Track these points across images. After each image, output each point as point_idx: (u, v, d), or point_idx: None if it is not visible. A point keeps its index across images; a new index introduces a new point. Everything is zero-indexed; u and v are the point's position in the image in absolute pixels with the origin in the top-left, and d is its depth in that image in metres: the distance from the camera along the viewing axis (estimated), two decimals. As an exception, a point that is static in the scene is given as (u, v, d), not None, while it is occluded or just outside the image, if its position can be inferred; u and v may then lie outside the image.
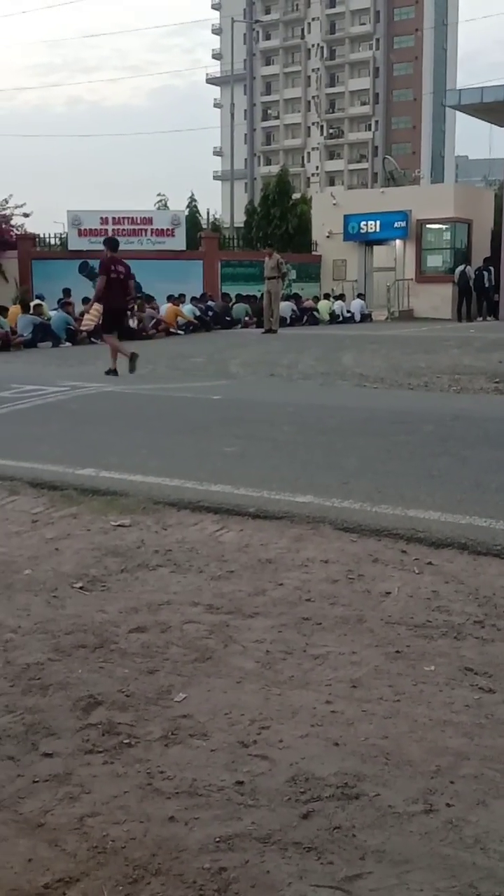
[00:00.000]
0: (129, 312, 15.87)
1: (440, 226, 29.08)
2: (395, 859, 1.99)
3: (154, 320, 21.56)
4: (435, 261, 29.35)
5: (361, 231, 30.18)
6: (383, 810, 2.17)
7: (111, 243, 13.07)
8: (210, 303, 24.82)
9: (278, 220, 31.62)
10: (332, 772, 2.34)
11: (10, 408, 8.87)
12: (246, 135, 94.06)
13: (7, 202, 26.41)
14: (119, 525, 4.68)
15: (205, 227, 33.29)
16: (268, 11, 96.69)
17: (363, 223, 30.06)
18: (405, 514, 4.70)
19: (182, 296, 23.41)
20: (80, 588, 3.77)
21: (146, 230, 26.57)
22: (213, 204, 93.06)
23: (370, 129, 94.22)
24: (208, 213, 35.59)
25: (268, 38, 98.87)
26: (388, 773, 2.34)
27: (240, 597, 3.63)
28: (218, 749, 2.47)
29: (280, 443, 6.88)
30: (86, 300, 21.17)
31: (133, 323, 19.01)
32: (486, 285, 27.11)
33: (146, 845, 2.04)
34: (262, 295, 21.47)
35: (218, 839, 2.06)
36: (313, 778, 2.31)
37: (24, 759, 2.43)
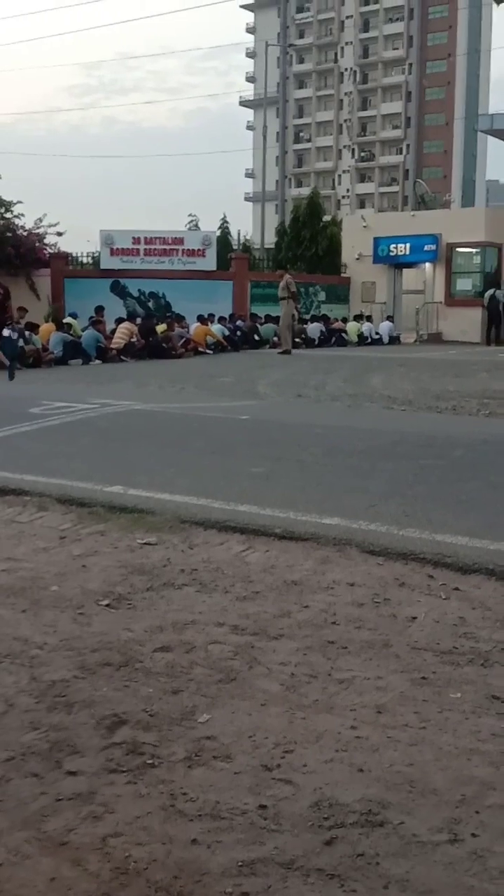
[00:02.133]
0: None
1: (470, 249, 29.04)
2: (418, 889, 1.97)
3: (183, 339, 21.67)
4: (464, 284, 29.30)
5: (391, 254, 30.22)
6: (407, 839, 2.15)
7: None
8: (239, 323, 24.91)
9: (308, 242, 31.76)
10: (357, 798, 2.32)
11: (40, 424, 8.94)
12: (278, 157, 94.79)
13: (41, 221, 26.69)
14: (146, 543, 4.69)
15: (235, 248, 33.51)
16: (301, 35, 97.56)
17: (393, 246, 30.10)
18: (433, 538, 4.67)
19: (211, 316, 23.54)
20: (107, 605, 3.78)
21: (177, 250, 26.74)
22: (244, 225, 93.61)
23: (401, 153, 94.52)
24: (239, 235, 35.87)
25: (301, 61, 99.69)
26: (413, 801, 2.31)
27: (265, 618, 3.62)
28: (241, 772, 2.46)
29: (307, 464, 6.87)
30: (119, 319, 21.37)
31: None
32: (516, 310, 27.02)
33: (168, 867, 2.03)
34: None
35: (240, 863, 2.05)
36: (337, 804, 2.29)
37: (48, 776, 2.44)
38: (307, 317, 27.89)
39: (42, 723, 2.73)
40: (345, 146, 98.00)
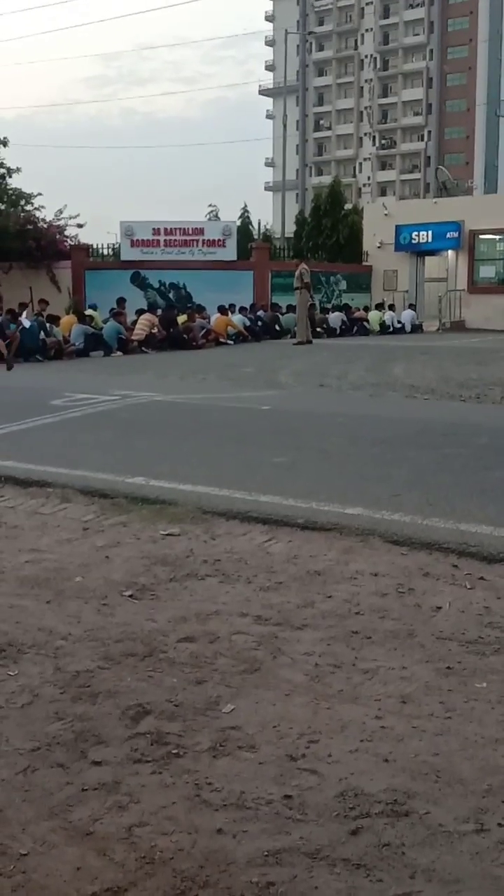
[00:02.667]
0: None
1: (493, 236, 28.83)
2: (445, 879, 1.96)
3: (204, 330, 21.66)
4: (488, 271, 29.10)
5: (413, 241, 30.05)
6: (434, 828, 2.14)
7: None
8: (260, 313, 24.86)
9: (329, 231, 31.64)
10: (382, 788, 2.31)
11: (63, 416, 8.97)
12: (298, 146, 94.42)
13: (61, 213, 26.78)
14: (168, 534, 4.70)
15: (256, 237, 33.45)
16: (321, 23, 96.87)
17: (415, 234, 29.93)
18: (457, 527, 4.64)
19: (232, 306, 23.51)
20: (130, 596, 3.79)
21: (197, 241, 26.72)
22: (265, 214, 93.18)
23: (423, 140, 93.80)
24: (259, 224, 35.78)
25: (321, 49, 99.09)
26: (439, 790, 2.30)
27: (288, 608, 3.62)
28: (266, 762, 2.46)
29: (329, 454, 6.85)
30: (139, 311, 21.40)
31: None
32: (540, 296, 26.81)
33: (194, 857, 2.04)
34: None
35: (266, 853, 2.05)
36: (362, 794, 2.29)
37: (74, 766, 2.45)
38: (328, 306, 27.81)
39: (67, 713, 2.75)
40: (365, 134, 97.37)
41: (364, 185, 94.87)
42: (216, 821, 2.18)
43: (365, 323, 26.94)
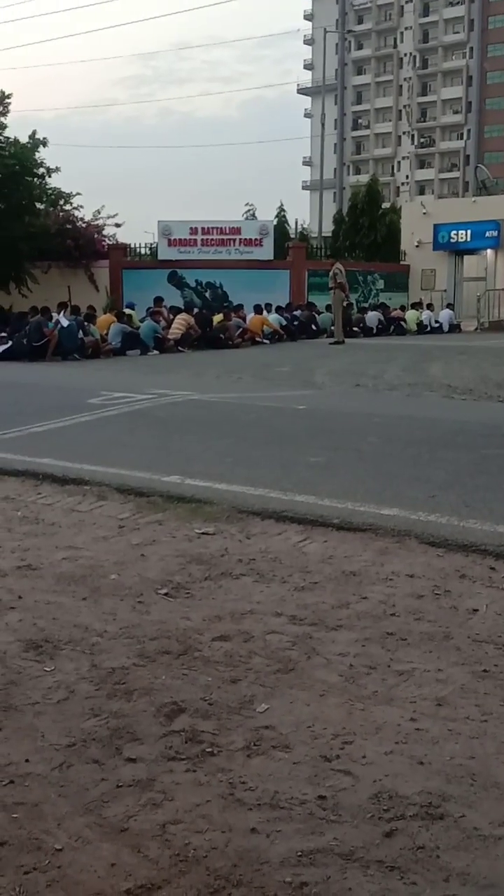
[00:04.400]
0: None
1: (533, 235, 28.52)
2: (480, 883, 1.94)
3: (240, 329, 21.67)
4: (527, 271, 28.79)
5: (451, 240, 29.84)
6: (469, 832, 2.12)
7: None
8: (296, 312, 24.83)
9: (367, 230, 31.52)
10: (417, 790, 2.30)
11: (100, 414, 9.03)
12: (336, 144, 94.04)
13: (100, 213, 26.95)
14: (203, 533, 4.71)
15: (293, 236, 33.38)
16: (360, 21, 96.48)
17: (454, 232, 29.72)
18: (494, 529, 4.60)
19: (268, 305, 23.50)
20: (165, 594, 3.80)
21: (234, 240, 26.76)
22: (302, 214, 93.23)
23: (462, 138, 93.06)
24: (296, 223, 35.68)
25: (360, 47, 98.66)
26: (474, 794, 2.29)
27: (323, 609, 3.61)
28: (300, 762, 2.45)
29: (365, 454, 6.83)
30: (175, 309, 21.47)
31: None
32: None
33: (228, 856, 2.04)
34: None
35: (300, 853, 2.04)
36: (397, 796, 2.28)
37: (109, 763, 2.46)
38: (365, 305, 27.69)
39: (102, 709, 2.76)
40: (404, 132, 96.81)
41: (402, 183, 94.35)
42: (250, 820, 2.18)
43: (402, 322, 26.79)
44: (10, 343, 18.49)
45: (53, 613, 3.59)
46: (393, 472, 6.13)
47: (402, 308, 28.23)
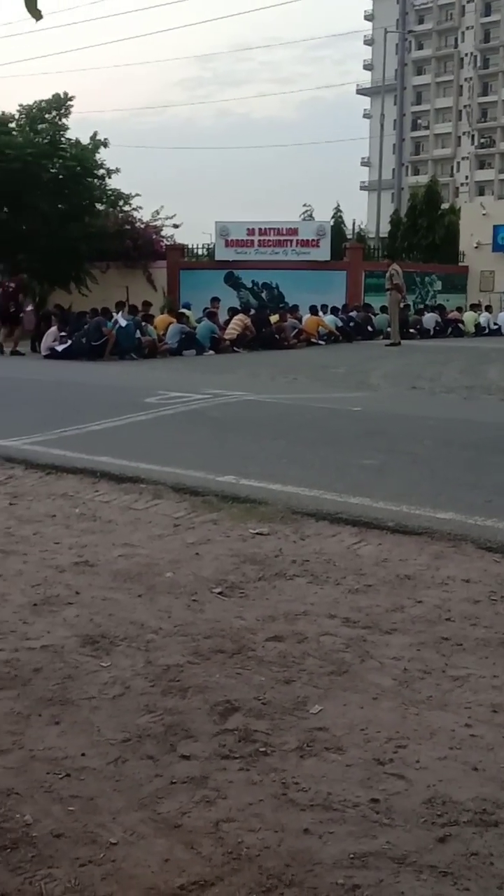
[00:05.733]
0: None
1: None
2: (535, 893, 1.92)
3: (296, 330, 21.66)
4: None
5: (511, 242, 29.44)
6: (523, 841, 2.10)
7: None
8: (352, 313, 24.73)
9: (425, 231, 31.27)
10: (470, 797, 2.28)
11: (156, 414, 9.10)
12: (395, 145, 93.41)
13: (158, 213, 27.16)
14: (258, 533, 4.72)
15: (350, 237, 33.25)
16: (421, 21, 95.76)
17: (513, 234, 29.31)
18: (552, 535, 4.54)
19: (324, 306, 23.44)
20: (219, 593, 3.82)
21: (291, 241, 26.75)
22: (359, 214, 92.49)
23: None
24: (354, 224, 35.53)
25: (420, 47, 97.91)
26: (530, 803, 2.26)
27: (377, 612, 3.60)
28: (353, 764, 2.45)
29: (421, 457, 6.78)
30: (232, 310, 21.55)
31: None
32: None
33: (280, 855, 2.05)
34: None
35: (352, 855, 2.04)
36: (450, 801, 2.26)
37: (163, 759, 2.49)
38: (422, 306, 27.47)
39: (157, 706, 2.79)
40: (464, 133, 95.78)
41: (462, 184, 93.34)
42: (302, 821, 2.19)
43: (460, 324, 26.51)
44: (69, 342, 18.72)
45: (109, 610, 3.63)
46: (448, 476, 6.08)
47: (460, 309, 27.94)
